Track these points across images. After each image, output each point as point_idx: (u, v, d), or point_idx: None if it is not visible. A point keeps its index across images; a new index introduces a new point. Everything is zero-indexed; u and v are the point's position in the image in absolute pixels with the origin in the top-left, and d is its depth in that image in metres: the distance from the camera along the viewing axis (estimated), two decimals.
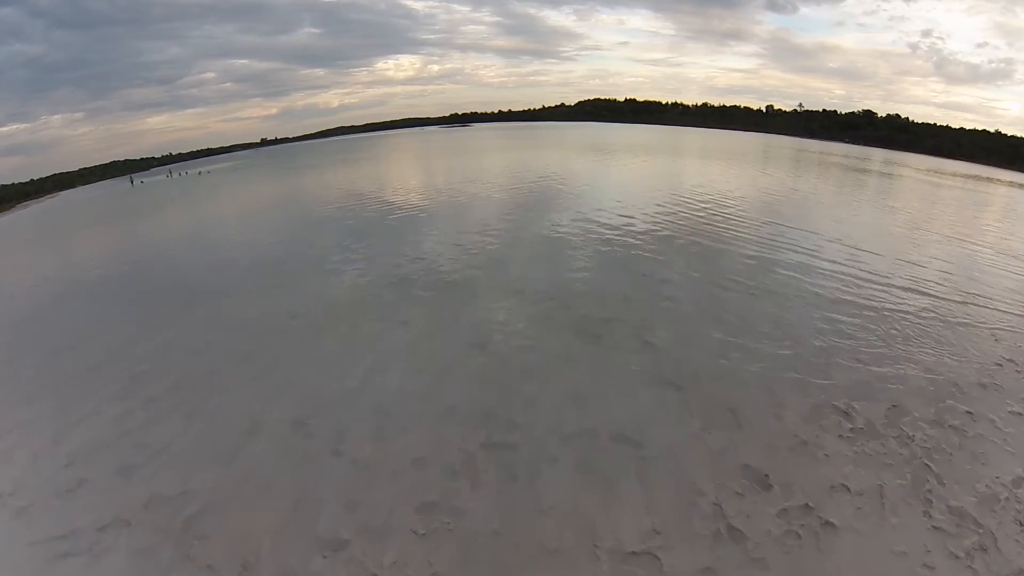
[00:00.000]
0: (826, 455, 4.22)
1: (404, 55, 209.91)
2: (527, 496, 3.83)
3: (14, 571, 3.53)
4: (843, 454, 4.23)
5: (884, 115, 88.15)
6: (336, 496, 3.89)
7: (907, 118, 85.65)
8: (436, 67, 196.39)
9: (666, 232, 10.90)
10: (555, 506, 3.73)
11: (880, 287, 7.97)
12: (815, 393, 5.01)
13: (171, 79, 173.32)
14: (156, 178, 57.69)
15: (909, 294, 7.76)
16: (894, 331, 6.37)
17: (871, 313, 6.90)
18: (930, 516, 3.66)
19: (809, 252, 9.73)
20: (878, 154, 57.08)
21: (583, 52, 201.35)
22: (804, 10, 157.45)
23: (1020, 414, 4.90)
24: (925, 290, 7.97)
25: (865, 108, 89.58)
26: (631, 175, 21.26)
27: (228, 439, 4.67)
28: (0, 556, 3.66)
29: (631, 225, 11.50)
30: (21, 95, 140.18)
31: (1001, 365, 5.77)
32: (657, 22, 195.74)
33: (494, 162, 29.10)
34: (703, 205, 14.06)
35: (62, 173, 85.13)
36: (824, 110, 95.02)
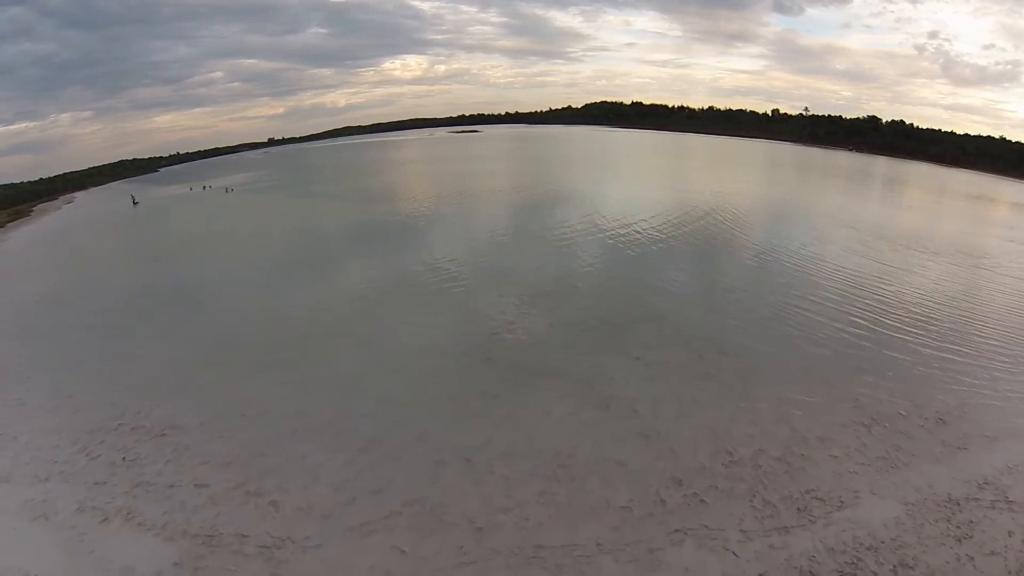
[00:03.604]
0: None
1: (411, 55, 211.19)
2: None
3: None
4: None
5: (889, 120, 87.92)
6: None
7: (911, 124, 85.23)
8: (443, 67, 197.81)
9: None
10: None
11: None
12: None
13: (179, 78, 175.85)
14: (173, 190, 50.10)
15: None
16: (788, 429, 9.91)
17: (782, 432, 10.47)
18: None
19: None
20: (881, 165, 59.05)
21: (590, 53, 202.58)
22: (810, 11, 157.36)
23: None
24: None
25: (870, 114, 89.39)
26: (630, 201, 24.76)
27: None
28: None
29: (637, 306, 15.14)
30: (31, 93, 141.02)
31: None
32: (664, 23, 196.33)
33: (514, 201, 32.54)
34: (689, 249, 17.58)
35: (71, 172, 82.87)
36: (829, 115, 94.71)
